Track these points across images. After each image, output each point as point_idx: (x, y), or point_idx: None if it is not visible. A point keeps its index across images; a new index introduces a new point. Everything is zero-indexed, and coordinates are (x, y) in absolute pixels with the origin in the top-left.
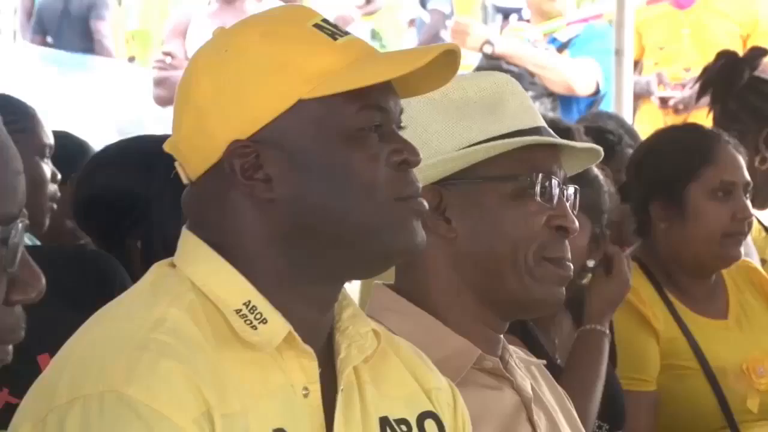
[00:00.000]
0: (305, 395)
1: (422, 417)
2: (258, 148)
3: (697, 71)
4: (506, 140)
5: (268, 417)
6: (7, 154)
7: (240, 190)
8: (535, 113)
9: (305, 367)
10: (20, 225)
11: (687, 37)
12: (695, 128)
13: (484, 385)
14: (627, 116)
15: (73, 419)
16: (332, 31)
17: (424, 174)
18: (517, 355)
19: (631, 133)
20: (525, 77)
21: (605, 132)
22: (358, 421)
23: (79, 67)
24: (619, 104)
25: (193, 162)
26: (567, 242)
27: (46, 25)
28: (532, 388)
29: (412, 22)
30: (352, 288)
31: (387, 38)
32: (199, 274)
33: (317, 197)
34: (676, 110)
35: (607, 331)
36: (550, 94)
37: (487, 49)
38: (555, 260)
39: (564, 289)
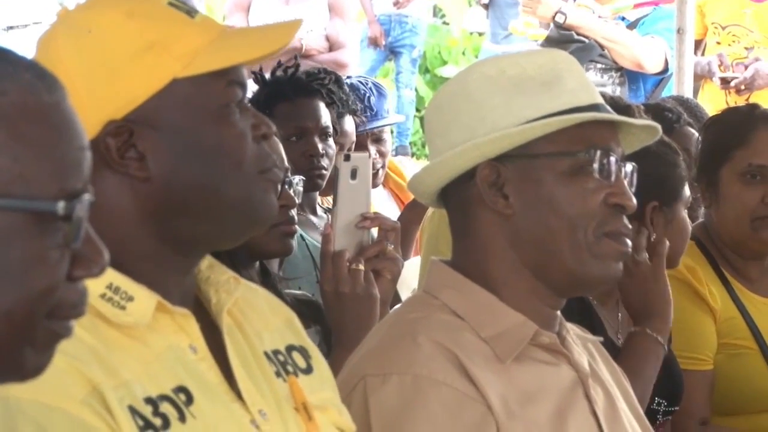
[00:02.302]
0: (194, 352)
1: (289, 349)
2: (132, 127)
3: (759, 51)
4: (564, 116)
5: (163, 378)
6: (73, 130)
7: (113, 170)
8: (593, 90)
9: (184, 327)
10: (85, 200)
11: (749, 17)
12: (741, 110)
13: (540, 360)
14: (688, 95)
15: None
16: (186, 8)
17: (481, 150)
18: (573, 331)
19: (694, 110)
20: (595, 49)
21: (663, 109)
22: (251, 358)
23: None
24: (680, 83)
25: None
26: (625, 216)
27: None
28: (589, 365)
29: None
30: (411, 262)
31: (450, 15)
32: None
33: (190, 173)
34: (738, 90)
35: (661, 340)
36: (619, 69)
37: (559, 19)
38: (614, 235)
39: (621, 264)
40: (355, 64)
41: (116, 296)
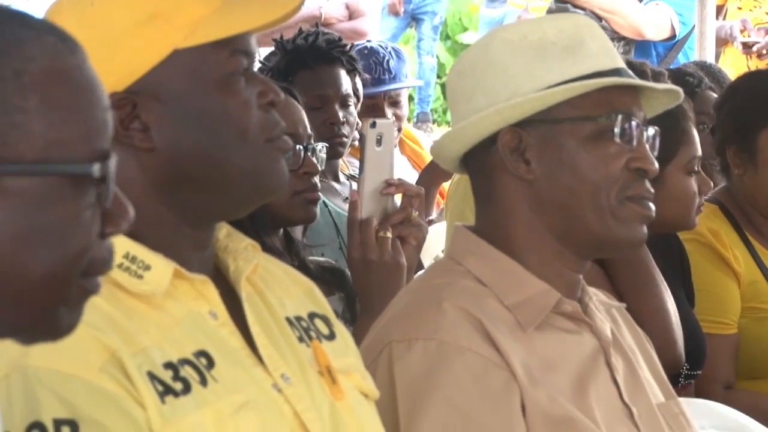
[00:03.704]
0: (214, 318)
1: (311, 316)
2: (135, 98)
3: None
4: (585, 81)
5: (184, 343)
6: (99, 91)
7: (118, 141)
8: (615, 55)
9: (203, 293)
10: (114, 159)
11: None
12: None
13: (562, 329)
14: (710, 60)
15: None
16: None
17: (503, 115)
18: (597, 297)
19: (716, 75)
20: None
21: (685, 74)
22: (272, 325)
23: None
24: (701, 48)
25: None
26: (647, 181)
27: None
28: (612, 332)
29: None
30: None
31: None
32: None
33: (195, 144)
34: (760, 55)
35: None
36: (623, 38)
37: None
38: (637, 199)
39: (645, 228)
40: (375, 32)
41: (133, 265)
